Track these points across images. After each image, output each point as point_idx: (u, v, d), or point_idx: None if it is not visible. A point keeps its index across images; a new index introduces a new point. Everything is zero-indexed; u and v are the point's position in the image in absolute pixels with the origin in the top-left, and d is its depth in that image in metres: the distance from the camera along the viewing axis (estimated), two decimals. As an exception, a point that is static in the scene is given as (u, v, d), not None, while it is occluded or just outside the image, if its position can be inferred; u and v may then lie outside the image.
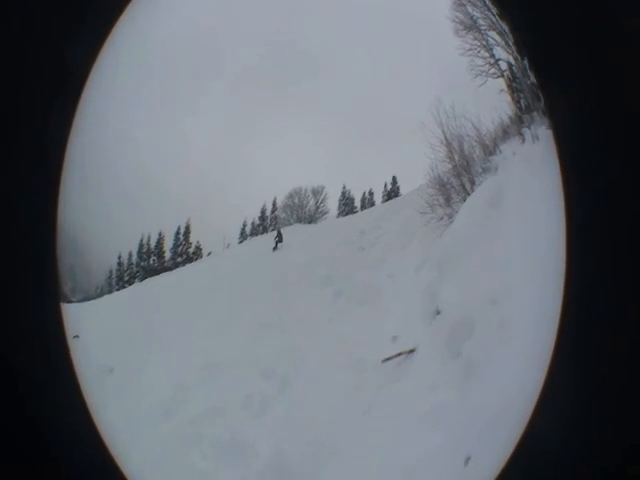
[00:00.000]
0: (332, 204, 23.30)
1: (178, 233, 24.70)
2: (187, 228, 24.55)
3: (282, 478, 4.74)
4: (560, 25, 1.75)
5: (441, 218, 10.41)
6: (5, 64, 1.67)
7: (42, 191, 1.81)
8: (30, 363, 1.76)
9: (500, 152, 9.78)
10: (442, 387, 4.77)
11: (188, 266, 21.57)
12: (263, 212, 24.58)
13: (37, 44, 1.72)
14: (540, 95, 1.84)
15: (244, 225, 24.07)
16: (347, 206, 23.42)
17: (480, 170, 10.20)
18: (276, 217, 24.10)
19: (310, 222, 22.90)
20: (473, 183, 10.11)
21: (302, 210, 23.79)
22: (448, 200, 10.72)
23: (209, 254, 23.47)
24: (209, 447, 6.35)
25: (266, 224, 24.24)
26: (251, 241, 22.12)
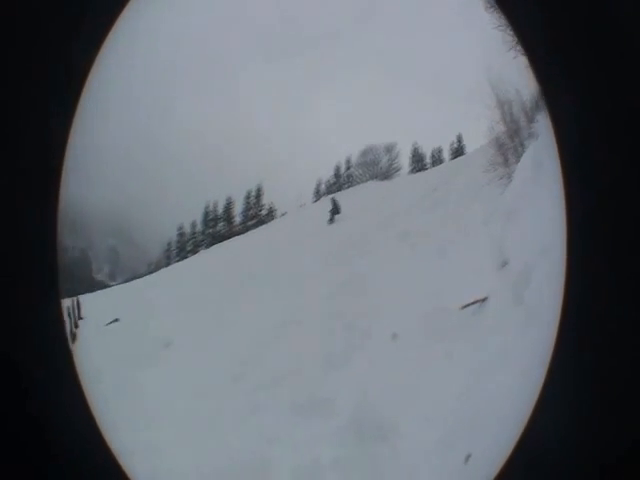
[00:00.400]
0: (403, 161, 23.49)
1: (249, 197, 24.70)
2: (258, 191, 24.54)
3: (364, 429, 4.80)
4: (560, 23, 1.74)
5: (501, 177, 10.80)
6: (4, 64, 1.68)
7: (42, 190, 1.80)
8: (30, 362, 1.76)
9: (537, 121, 10.04)
10: (509, 332, 4.97)
11: (262, 227, 21.54)
12: (337, 170, 24.86)
13: (37, 44, 1.71)
14: (541, 93, 1.83)
15: (318, 184, 24.39)
16: (418, 163, 23.71)
17: (526, 135, 10.48)
18: (350, 175, 24.32)
19: (384, 179, 22.93)
20: (523, 146, 10.42)
21: (376, 167, 24.00)
22: (506, 160, 11.08)
23: (283, 215, 23.62)
24: (291, 407, 6.33)
25: (341, 182, 24.44)
26: (327, 199, 22.01)
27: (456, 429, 4.29)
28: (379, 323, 7.95)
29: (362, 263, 10.76)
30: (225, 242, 20.44)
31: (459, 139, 23.24)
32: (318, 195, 24.41)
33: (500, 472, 1.92)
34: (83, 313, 17.89)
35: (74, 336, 16.75)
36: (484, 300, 6.43)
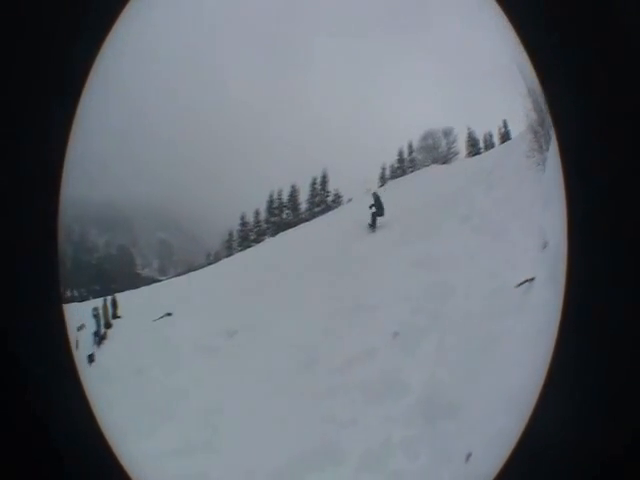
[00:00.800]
0: (460, 145, 23.75)
1: (314, 183, 24.96)
2: (324, 177, 24.82)
3: (432, 408, 4.83)
4: (562, 25, 1.76)
5: (539, 164, 10.94)
6: (7, 63, 1.68)
7: (43, 191, 1.82)
8: (32, 362, 1.77)
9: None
10: (550, 308, 5.05)
11: (329, 214, 21.48)
12: (400, 155, 25.28)
13: (38, 43, 1.73)
14: (543, 94, 1.84)
15: (383, 168, 24.18)
16: (473, 147, 24.04)
17: (550, 124, 10.66)
18: (413, 159, 24.61)
19: (444, 163, 23.12)
20: (549, 135, 10.61)
21: (437, 151, 24.43)
22: (540, 147, 11.23)
23: (349, 201, 23.71)
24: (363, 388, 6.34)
25: (405, 166, 24.79)
26: (391, 183, 22.01)
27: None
28: (446, 304, 7.93)
29: (428, 245, 10.70)
30: (291, 230, 20.22)
31: (505, 124, 23.55)
32: (383, 180, 24.78)
33: (501, 470, 1.94)
34: (120, 312, 17.83)
35: (102, 337, 16.66)
36: (532, 280, 6.62)
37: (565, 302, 1.85)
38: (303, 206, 24.03)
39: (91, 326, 16.10)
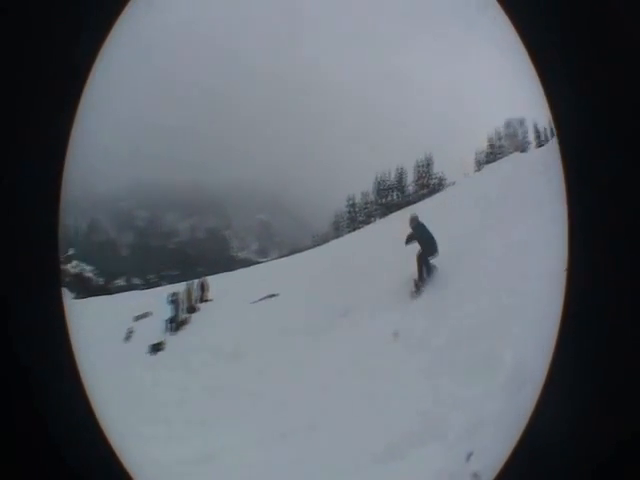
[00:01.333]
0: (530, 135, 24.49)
1: (419, 166, 25.46)
2: (428, 160, 25.34)
3: (520, 384, 4.84)
4: (562, 24, 1.77)
5: None
6: (8, 63, 1.69)
7: (44, 188, 1.83)
8: (32, 359, 1.78)
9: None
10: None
11: (436, 196, 21.46)
12: (490, 141, 26.08)
13: (39, 43, 1.73)
14: (543, 94, 1.85)
15: (477, 153, 26.17)
16: (539, 139, 24.76)
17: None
18: (502, 145, 25.25)
19: (522, 151, 23.55)
20: None
21: (516, 139, 25.24)
22: None
23: (453, 184, 23.67)
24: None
25: (495, 152, 25.85)
26: (487, 168, 22.13)
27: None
28: (530, 284, 7.83)
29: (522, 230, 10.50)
30: (399, 212, 20.16)
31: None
32: (479, 165, 25.20)
33: (503, 468, 1.96)
34: (210, 295, 17.20)
35: (181, 322, 16.41)
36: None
37: (565, 302, 1.85)
38: (410, 188, 24.67)
39: (165, 313, 15.74)
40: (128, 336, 15.42)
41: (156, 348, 14.50)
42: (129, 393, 8.76)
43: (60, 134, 1.84)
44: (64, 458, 1.81)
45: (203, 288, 17.30)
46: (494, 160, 24.15)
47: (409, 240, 10.92)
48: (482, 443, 3.95)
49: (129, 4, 1.81)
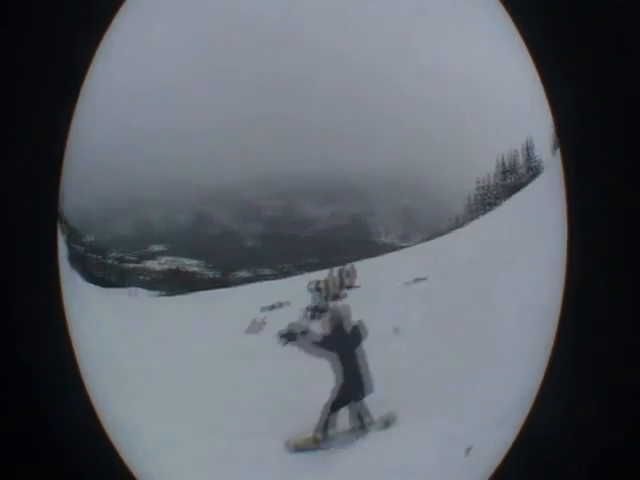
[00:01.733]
0: None
1: (524, 149, 25.34)
2: (529, 143, 25.28)
3: None
4: (564, 24, 1.79)
5: None
6: (7, 60, 1.69)
7: (42, 183, 1.85)
8: (32, 355, 1.82)
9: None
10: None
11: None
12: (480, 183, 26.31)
13: (38, 40, 1.76)
14: (544, 93, 1.85)
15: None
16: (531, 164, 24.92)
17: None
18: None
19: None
20: None
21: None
22: None
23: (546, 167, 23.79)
24: None
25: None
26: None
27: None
28: None
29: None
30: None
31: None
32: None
33: (502, 463, 2.00)
34: (357, 282, 17.07)
35: (322, 310, 15.72)
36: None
37: (565, 302, 1.87)
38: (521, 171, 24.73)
39: (305, 300, 15.29)
40: (260, 326, 15.01)
41: (289, 338, 13.90)
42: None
43: (59, 130, 1.84)
44: (63, 452, 1.83)
45: (349, 274, 16.75)
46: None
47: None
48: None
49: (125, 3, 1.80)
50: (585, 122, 1.78)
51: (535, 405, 1.94)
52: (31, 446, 1.79)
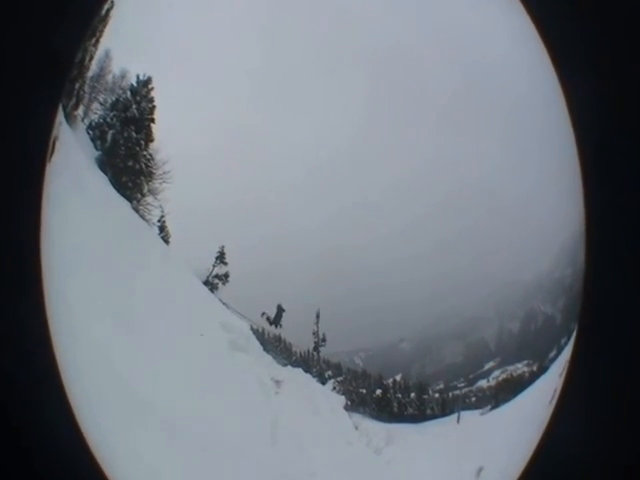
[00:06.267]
0: None
1: None
2: None
3: None
4: (582, 21, 1.78)
5: None
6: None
7: (24, 188, 1.84)
8: (13, 365, 1.82)
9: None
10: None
11: None
12: None
13: (22, 29, 1.77)
14: (561, 89, 1.84)
15: None
16: None
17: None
18: None
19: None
20: None
21: None
22: None
23: None
24: None
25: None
26: None
27: None
28: None
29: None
30: None
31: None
32: None
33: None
34: None
35: None
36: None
37: (585, 297, 1.85)
38: None
39: None
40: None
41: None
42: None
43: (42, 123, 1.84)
44: (43, 464, 1.83)
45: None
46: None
47: None
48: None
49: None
50: (604, 122, 1.79)
51: (552, 426, 1.91)
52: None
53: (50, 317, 1.87)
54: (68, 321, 2.05)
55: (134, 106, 2.82)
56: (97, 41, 2.38)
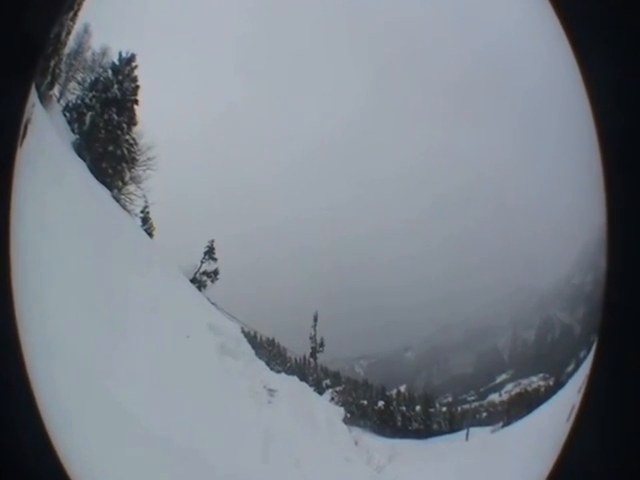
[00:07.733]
0: None
1: None
2: None
3: None
4: (608, 20, 1.73)
5: None
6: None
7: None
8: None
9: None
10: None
11: None
12: None
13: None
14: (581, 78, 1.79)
15: None
16: None
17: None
18: None
19: None
20: None
21: None
22: None
23: None
24: None
25: None
26: None
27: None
28: None
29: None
30: None
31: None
32: None
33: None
34: None
35: None
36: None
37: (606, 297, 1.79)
38: None
39: None
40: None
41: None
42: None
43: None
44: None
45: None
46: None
47: None
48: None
49: None
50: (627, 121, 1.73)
51: (568, 446, 1.82)
52: None
53: (21, 323, 1.80)
54: (42, 329, 1.99)
55: (116, 86, 2.71)
56: (75, 14, 2.33)
